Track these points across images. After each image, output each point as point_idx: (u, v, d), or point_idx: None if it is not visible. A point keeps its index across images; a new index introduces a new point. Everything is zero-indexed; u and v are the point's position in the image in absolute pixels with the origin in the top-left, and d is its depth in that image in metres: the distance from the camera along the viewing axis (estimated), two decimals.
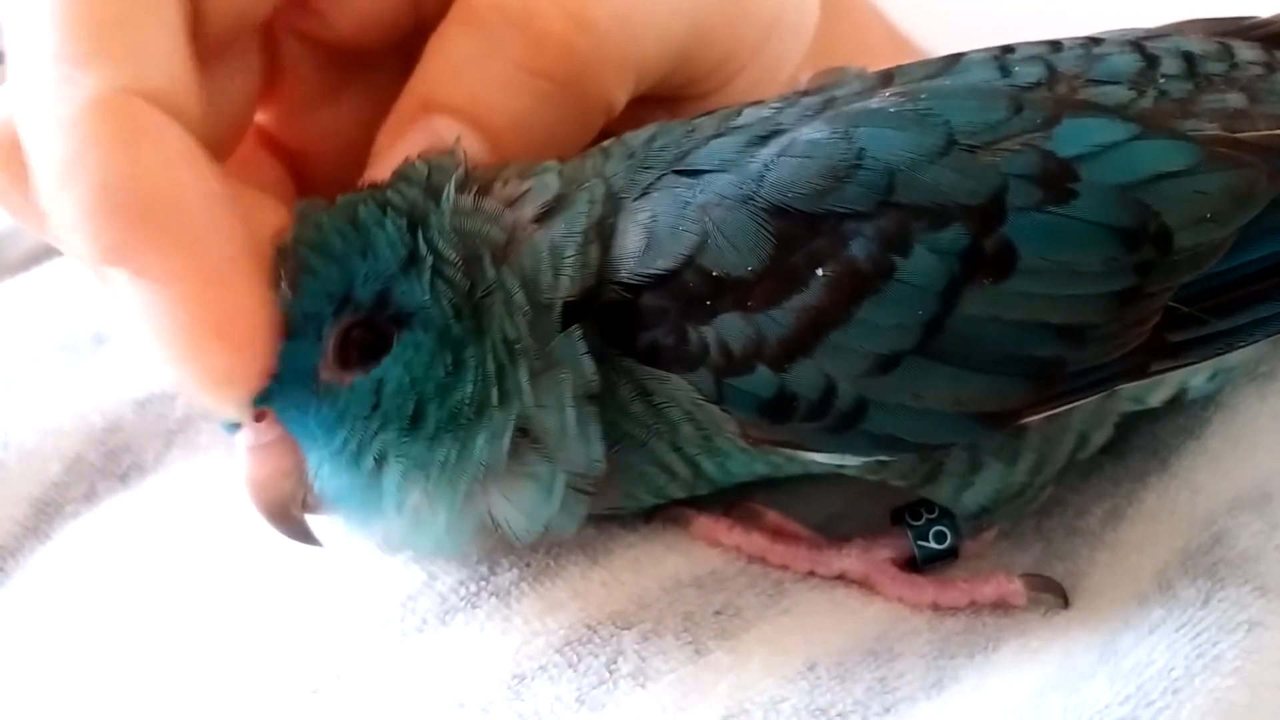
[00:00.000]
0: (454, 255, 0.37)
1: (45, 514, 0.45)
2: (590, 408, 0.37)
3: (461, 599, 0.38)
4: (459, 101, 0.40)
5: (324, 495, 0.37)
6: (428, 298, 0.36)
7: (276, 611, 0.40)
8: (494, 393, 0.36)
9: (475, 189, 0.38)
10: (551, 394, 0.37)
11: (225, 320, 0.35)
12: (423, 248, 0.37)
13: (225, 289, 0.35)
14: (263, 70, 0.43)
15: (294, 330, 0.36)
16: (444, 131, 0.39)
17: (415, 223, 0.37)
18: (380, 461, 0.37)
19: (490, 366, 0.36)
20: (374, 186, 0.38)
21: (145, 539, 0.43)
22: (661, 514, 0.40)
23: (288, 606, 0.40)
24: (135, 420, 0.46)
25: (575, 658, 0.37)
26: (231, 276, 0.35)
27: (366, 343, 0.37)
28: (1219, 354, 0.37)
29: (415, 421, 0.36)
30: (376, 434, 0.37)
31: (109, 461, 0.45)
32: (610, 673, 0.37)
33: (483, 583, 0.39)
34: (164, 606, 0.41)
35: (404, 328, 0.37)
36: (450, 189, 0.37)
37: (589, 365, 0.37)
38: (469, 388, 0.36)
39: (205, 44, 0.38)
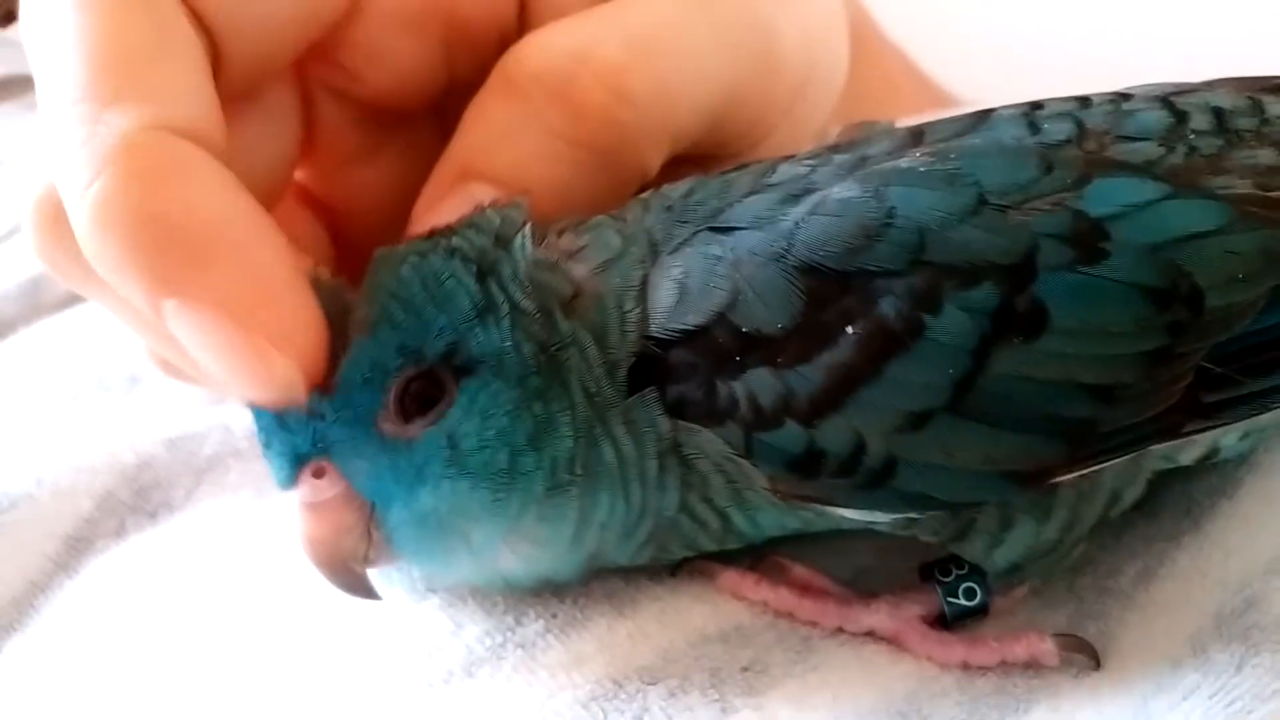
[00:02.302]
0: (531, 306, 0.37)
1: (76, 550, 0.45)
2: (670, 460, 0.37)
3: (487, 649, 0.38)
4: (498, 170, 0.40)
5: (400, 551, 0.37)
6: (509, 344, 0.36)
7: (302, 658, 0.40)
8: (606, 450, 0.36)
9: (544, 241, 0.38)
10: (642, 448, 0.37)
11: (283, 331, 0.35)
12: (498, 295, 0.37)
13: (278, 302, 0.35)
14: (301, 128, 0.43)
15: (357, 378, 0.36)
16: (483, 199, 0.39)
17: (485, 271, 0.37)
18: (472, 520, 0.37)
19: (581, 420, 0.36)
20: (439, 233, 0.38)
21: (173, 576, 0.43)
22: (688, 567, 0.40)
23: (313, 653, 0.40)
24: (166, 458, 0.46)
25: (601, 713, 0.37)
26: (282, 289, 0.35)
27: (424, 394, 0.36)
28: (1254, 414, 0.37)
29: (509, 477, 0.36)
30: (466, 492, 0.36)
31: (139, 499, 0.45)
32: None
33: (509, 633, 0.38)
34: (189, 645, 0.41)
35: (468, 376, 0.36)
36: (525, 239, 0.38)
37: (665, 424, 0.37)
38: (569, 442, 0.36)
39: (228, 85, 0.38)
